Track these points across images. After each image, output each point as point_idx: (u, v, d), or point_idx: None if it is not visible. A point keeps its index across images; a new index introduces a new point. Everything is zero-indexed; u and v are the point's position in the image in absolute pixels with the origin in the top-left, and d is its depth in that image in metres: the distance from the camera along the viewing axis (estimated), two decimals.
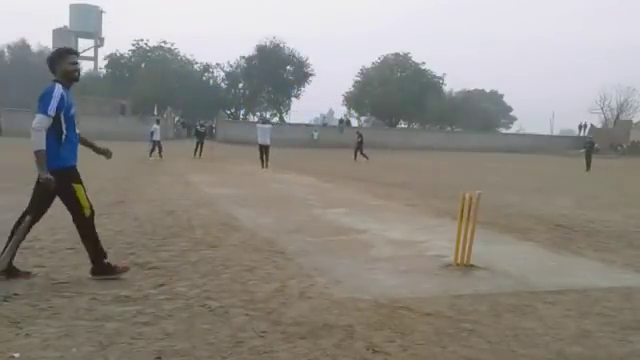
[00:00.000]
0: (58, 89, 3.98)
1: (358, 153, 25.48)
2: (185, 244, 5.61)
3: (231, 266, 4.77)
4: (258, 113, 55.85)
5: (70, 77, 4.12)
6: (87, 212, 4.15)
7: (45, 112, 3.84)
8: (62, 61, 4.11)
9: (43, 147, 3.85)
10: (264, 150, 18.22)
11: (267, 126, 19.67)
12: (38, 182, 3.99)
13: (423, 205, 9.61)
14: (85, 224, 4.18)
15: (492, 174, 19.35)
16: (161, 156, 20.85)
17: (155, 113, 49.83)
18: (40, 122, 3.83)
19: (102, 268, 4.23)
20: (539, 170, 23.75)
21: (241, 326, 3.33)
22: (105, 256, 4.30)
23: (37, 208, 4.13)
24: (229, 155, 23.24)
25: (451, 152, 39.96)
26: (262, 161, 18.13)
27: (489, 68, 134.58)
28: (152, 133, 21.77)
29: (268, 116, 56.07)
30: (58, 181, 3.93)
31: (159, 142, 21.39)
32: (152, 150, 21.25)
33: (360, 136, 26.49)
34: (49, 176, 3.86)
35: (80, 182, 4.15)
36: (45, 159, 3.87)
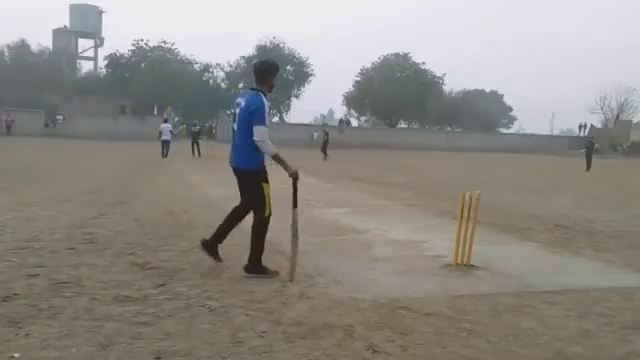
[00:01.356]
0: (265, 100, 4.39)
1: (326, 151, 25.83)
2: (185, 244, 5.61)
3: (231, 266, 4.77)
4: None
5: (270, 90, 4.57)
6: (267, 212, 4.50)
7: (264, 123, 4.33)
8: (273, 76, 4.55)
9: (275, 150, 4.34)
10: None
11: None
12: (249, 184, 4.49)
13: (423, 205, 9.60)
14: (262, 223, 4.51)
15: (492, 174, 19.35)
16: (164, 156, 20.82)
17: (155, 113, 49.83)
18: (263, 134, 4.29)
19: (257, 268, 4.49)
20: (539, 170, 23.74)
21: (241, 326, 3.33)
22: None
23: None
24: (229, 155, 23.16)
25: (451, 152, 39.92)
26: None
27: (489, 68, 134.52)
28: (170, 132, 21.99)
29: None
30: (250, 179, 4.47)
31: (168, 141, 21.38)
32: (163, 150, 21.11)
33: (326, 134, 26.68)
34: (295, 170, 4.41)
35: (268, 182, 4.52)
36: (283, 158, 4.35)
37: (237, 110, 4.49)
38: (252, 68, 4.63)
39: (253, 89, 4.50)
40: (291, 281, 4.34)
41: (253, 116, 4.28)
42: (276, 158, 4.34)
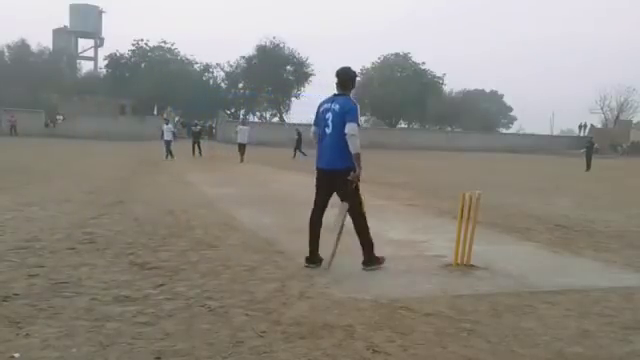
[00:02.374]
0: (357, 103, 4.81)
1: (297, 151, 26.04)
2: (185, 244, 5.61)
3: (231, 266, 4.77)
4: (258, 113, 55.88)
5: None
6: (364, 209, 4.94)
7: (358, 123, 4.68)
8: (354, 81, 5.00)
9: (360, 150, 4.66)
10: (242, 148, 21.30)
11: (245, 127, 22.91)
12: (347, 181, 4.73)
13: (423, 205, 9.60)
14: (363, 219, 4.91)
15: (492, 174, 19.35)
16: (166, 157, 20.83)
17: (155, 113, 49.87)
18: (355, 130, 4.61)
19: (373, 259, 4.86)
20: (539, 170, 23.75)
21: (241, 326, 3.32)
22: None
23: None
24: (229, 155, 23.24)
25: (451, 152, 39.94)
26: (241, 156, 20.95)
27: (489, 68, 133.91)
28: (173, 133, 22.21)
29: (268, 116, 56.27)
30: (346, 178, 4.72)
31: (169, 142, 21.45)
32: (167, 151, 21.23)
33: (299, 134, 26.88)
34: (360, 174, 4.76)
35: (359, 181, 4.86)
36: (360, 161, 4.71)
37: (328, 115, 4.72)
38: (336, 75, 4.92)
39: (339, 94, 4.81)
40: (327, 268, 4.68)
41: (348, 115, 4.61)
42: (357, 157, 4.63)
